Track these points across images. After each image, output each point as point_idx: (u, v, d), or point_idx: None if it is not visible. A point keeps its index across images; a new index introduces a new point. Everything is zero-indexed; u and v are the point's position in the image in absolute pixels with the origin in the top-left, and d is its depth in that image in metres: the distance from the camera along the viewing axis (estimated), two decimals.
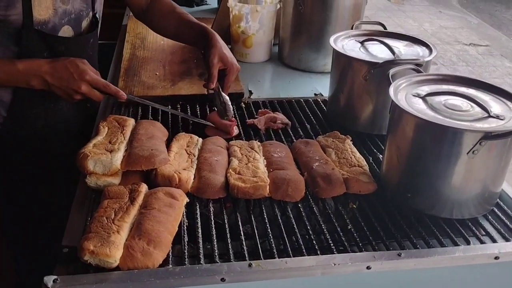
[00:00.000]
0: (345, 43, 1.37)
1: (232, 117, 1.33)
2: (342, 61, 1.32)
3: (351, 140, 1.24)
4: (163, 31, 1.51)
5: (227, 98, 1.33)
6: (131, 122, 1.20)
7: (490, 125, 0.95)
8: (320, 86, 1.66)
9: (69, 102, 1.21)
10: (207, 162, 1.10)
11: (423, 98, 1.04)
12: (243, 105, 1.48)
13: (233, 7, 1.75)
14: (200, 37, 1.35)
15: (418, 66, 1.20)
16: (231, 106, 1.32)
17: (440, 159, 0.96)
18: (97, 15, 1.35)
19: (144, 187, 0.99)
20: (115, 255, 0.82)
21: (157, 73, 1.60)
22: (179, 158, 1.12)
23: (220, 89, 1.33)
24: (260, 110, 1.42)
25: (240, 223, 0.98)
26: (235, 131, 1.31)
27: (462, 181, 0.97)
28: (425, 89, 1.07)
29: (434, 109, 1.00)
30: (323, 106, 1.50)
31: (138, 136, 1.12)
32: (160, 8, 1.45)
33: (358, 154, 1.18)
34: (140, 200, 0.96)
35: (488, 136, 0.90)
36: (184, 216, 0.98)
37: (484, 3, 7.88)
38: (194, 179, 1.06)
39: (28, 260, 1.30)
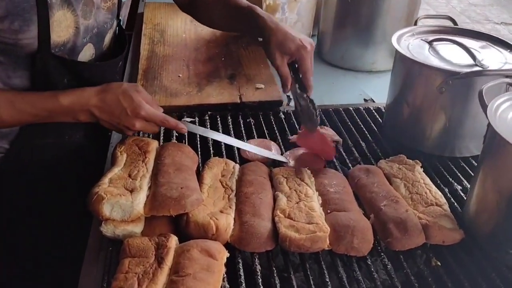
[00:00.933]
0: (410, 43, 1.13)
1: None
2: (409, 67, 1.08)
3: (421, 167, 1.02)
4: (212, 22, 1.23)
5: (310, 99, 1.02)
6: (154, 145, 0.98)
7: None
8: (368, 89, 1.42)
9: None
10: (249, 202, 0.88)
11: None
12: (283, 116, 1.25)
13: None
14: (251, 24, 1.06)
15: (510, 78, 0.96)
16: (316, 111, 1.02)
17: None
18: (121, 24, 1.11)
19: (173, 241, 0.79)
20: None
21: (180, 75, 1.38)
22: (214, 195, 0.90)
23: (298, 90, 1.03)
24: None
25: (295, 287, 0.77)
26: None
27: None
28: None
29: None
30: (377, 116, 1.26)
31: (164, 168, 0.90)
32: None
33: (434, 188, 0.95)
34: (169, 260, 0.75)
35: None
36: (225, 280, 0.77)
37: None
38: (234, 224, 0.85)
39: None
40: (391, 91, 1.16)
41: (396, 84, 1.14)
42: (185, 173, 0.90)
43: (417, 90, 1.07)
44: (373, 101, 1.36)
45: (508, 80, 0.92)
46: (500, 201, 0.80)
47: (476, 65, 1.02)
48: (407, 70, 1.09)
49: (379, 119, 1.25)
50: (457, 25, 1.20)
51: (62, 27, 0.91)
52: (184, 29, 1.66)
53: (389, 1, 1.43)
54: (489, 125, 0.80)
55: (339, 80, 1.48)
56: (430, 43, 1.13)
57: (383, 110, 1.25)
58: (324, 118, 1.24)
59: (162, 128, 1.15)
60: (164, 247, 0.77)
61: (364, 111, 1.28)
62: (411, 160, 1.03)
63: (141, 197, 0.83)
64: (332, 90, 1.43)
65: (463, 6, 6.26)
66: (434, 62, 1.05)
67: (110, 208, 0.81)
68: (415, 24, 1.23)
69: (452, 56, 1.08)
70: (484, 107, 0.84)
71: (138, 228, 0.83)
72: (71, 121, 0.94)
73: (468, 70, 0.99)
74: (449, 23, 1.22)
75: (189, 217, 0.83)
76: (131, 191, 0.84)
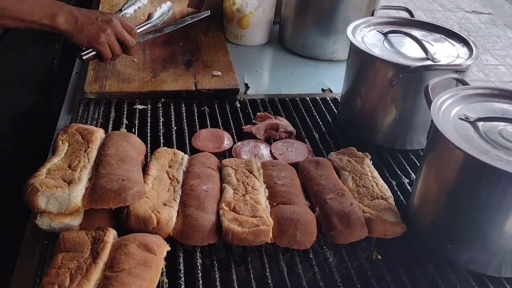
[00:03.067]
0: (366, 34, 1.12)
1: None
2: (363, 59, 1.07)
3: (370, 159, 1.02)
4: None
5: None
6: (98, 134, 0.95)
7: None
8: (328, 79, 1.41)
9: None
10: (193, 194, 0.87)
11: (473, 123, 0.81)
12: (238, 105, 1.23)
13: None
14: None
15: (460, 73, 0.96)
16: None
17: (495, 206, 0.74)
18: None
19: (111, 235, 0.77)
20: None
21: (135, 60, 1.34)
22: (159, 186, 0.89)
23: None
24: (258, 114, 1.18)
25: (235, 282, 0.77)
26: None
27: None
28: (475, 109, 0.84)
29: (488, 140, 0.77)
30: (333, 106, 1.26)
31: (106, 159, 0.87)
32: None
33: (381, 181, 0.95)
34: (105, 255, 0.73)
35: None
36: (164, 274, 0.76)
37: None
38: (177, 217, 0.83)
39: None
40: (346, 83, 1.16)
41: (350, 76, 1.14)
42: (129, 164, 0.88)
43: (369, 82, 1.07)
44: (331, 91, 1.35)
45: (454, 75, 0.92)
46: (440, 197, 0.81)
47: (427, 58, 1.03)
48: (360, 62, 1.09)
49: (335, 109, 1.25)
50: (413, 16, 1.20)
51: None
52: (143, 11, 1.61)
53: None
54: (432, 121, 0.80)
55: (299, 69, 1.47)
56: (385, 34, 1.12)
57: (340, 100, 1.24)
58: (280, 108, 1.23)
59: (112, 115, 1.13)
60: (100, 241, 0.75)
61: (320, 102, 1.28)
62: (360, 153, 1.03)
63: (79, 189, 0.81)
64: (292, 79, 1.41)
65: None
66: (387, 54, 1.04)
67: (46, 201, 0.78)
68: (372, 14, 1.21)
69: (406, 49, 1.08)
70: (429, 102, 0.84)
71: (76, 221, 0.81)
72: (49, 23, 0.97)
73: (419, 64, 0.99)
74: (406, 15, 1.21)
75: (129, 210, 0.81)
76: (69, 183, 0.81)
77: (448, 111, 0.83)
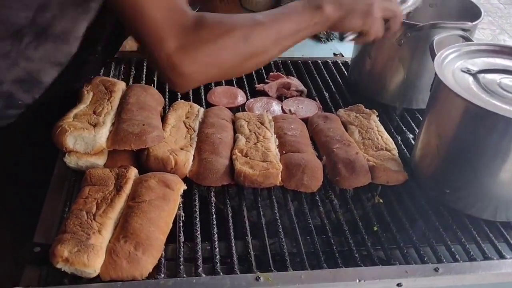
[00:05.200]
0: None
1: None
2: None
3: (377, 116, 1.07)
4: None
5: None
6: (120, 86, 1.01)
7: None
8: (340, 44, 1.45)
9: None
10: (209, 141, 0.93)
11: (474, 75, 0.85)
12: None
13: None
14: None
15: (465, 31, 1.00)
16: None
17: (491, 152, 0.79)
18: None
19: (133, 172, 0.84)
20: (94, 264, 0.67)
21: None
22: (176, 134, 0.95)
23: None
24: (271, 74, 1.23)
25: (246, 218, 0.83)
26: None
27: None
28: (476, 64, 0.88)
29: (487, 90, 0.81)
30: (343, 69, 1.30)
31: (128, 106, 0.94)
32: None
33: (385, 135, 1.01)
34: (128, 188, 0.80)
35: None
36: (181, 209, 0.83)
37: None
38: (193, 161, 0.90)
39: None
40: (356, 45, 1.20)
41: None
42: (148, 112, 0.94)
43: (378, 43, 1.10)
44: (342, 56, 1.39)
45: (459, 32, 0.96)
46: (440, 145, 0.86)
47: (437, 21, 1.06)
48: None
49: (345, 72, 1.29)
50: None
51: None
52: None
53: None
54: (435, 73, 0.84)
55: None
56: None
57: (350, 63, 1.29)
58: (292, 69, 1.27)
59: (132, 70, 1.19)
60: (123, 177, 0.82)
61: (332, 65, 1.32)
62: (368, 110, 1.08)
63: (104, 131, 0.87)
64: (305, 44, 1.45)
65: None
66: None
67: (73, 141, 0.85)
68: None
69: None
70: (433, 56, 0.88)
71: (100, 160, 0.88)
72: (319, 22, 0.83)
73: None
74: None
75: (149, 151, 0.88)
76: (94, 126, 0.88)
77: (451, 64, 0.87)
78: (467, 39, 0.95)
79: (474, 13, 1.09)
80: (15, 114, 0.91)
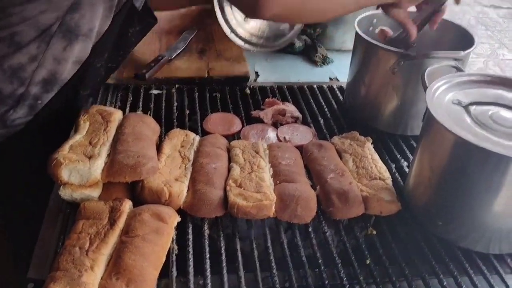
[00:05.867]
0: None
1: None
2: (366, 47, 1.12)
3: (371, 143, 1.07)
4: None
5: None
6: (117, 116, 1.02)
7: None
8: (336, 68, 1.47)
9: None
10: (203, 171, 0.94)
11: (466, 107, 0.86)
12: (248, 91, 1.30)
13: None
14: None
15: (457, 61, 1.01)
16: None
17: (483, 186, 0.79)
18: None
19: (127, 205, 0.84)
20: None
21: (153, 47, 1.41)
22: (171, 164, 0.96)
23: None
24: (267, 100, 1.24)
25: (239, 252, 0.83)
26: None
27: (506, 212, 0.81)
28: (468, 94, 0.89)
29: (479, 123, 0.82)
30: (338, 94, 1.31)
31: (123, 137, 0.95)
32: None
33: (379, 163, 1.01)
34: (121, 222, 0.81)
35: None
36: (174, 242, 0.83)
37: None
38: (187, 192, 0.90)
39: None
40: (351, 71, 1.21)
41: (355, 64, 1.19)
42: (144, 142, 0.95)
43: (372, 70, 1.12)
44: (338, 80, 1.40)
45: (451, 63, 0.97)
46: (432, 177, 0.86)
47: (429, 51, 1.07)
48: (365, 50, 1.14)
49: (341, 97, 1.30)
50: None
51: None
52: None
53: None
54: (427, 110, 0.85)
55: (308, 58, 1.52)
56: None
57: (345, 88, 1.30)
58: (288, 95, 1.29)
59: (130, 96, 1.20)
60: (117, 210, 0.82)
61: (327, 89, 1.33)
62: (362, 137, 1.08)
63: (99, 163, 0.88)
64: (300, 68, 1.47)
65: None
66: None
67: (68, 173, 0.86)
68: (377, 7, 1.26)
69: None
70: (425, 87, 0.89)
71: (95, 192, 0.88)
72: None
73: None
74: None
75: (144, 183, 0.88)
76: (90, 158, 0.89)
77: (442, 95, 0.88)
78: (459, 69, 0.96)
79: (468, 40, 1.10)
80: (29, 120, 0.94)
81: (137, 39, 1.12)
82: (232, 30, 1.34)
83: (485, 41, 4.96)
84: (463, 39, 1.12)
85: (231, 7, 1.32)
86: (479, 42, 1.07)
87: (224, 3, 1.30)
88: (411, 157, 1.08)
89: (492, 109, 0.85)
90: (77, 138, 0.94)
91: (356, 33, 1.13)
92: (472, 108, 0.85)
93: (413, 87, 1.08)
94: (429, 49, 1.06)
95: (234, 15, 1.35)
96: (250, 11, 0.91)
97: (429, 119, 0.86)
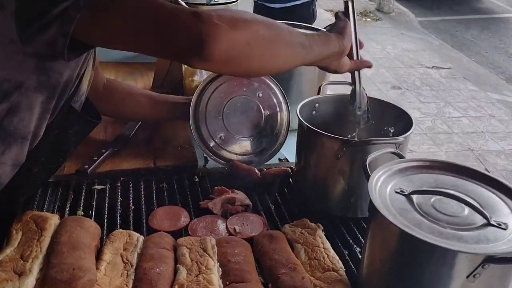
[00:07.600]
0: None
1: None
2: (309, 133, 1.13)
3: (322, 230, 1.05)
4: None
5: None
6: (53, 221, 0.97)
7: (492, 235, 0.78)
8: (285, 149, 1.46)
9: None
10: (146, 278, 0.88)
11: (408, 196, 0.86)
12: (197, 179, 1.27)
13: None
14: None
15: (398, 146, 1.03)
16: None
17: (435, 278, 0.77)
18: None
19: None
20: None
21: (96, 138, 1.37)
22: (111, 272, 0.90)
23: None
24: (216, 188, 1.21)
25: None
26: None
27: None
28: (410, 181, 0.90)
29: (422, 213, 0.82)
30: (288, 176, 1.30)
31: (58, 247, 0.89)
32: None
33: (331, 253, 0.99)
34: None
35: (492, 259, 0.72)
36: None
37: (445, 23, 8.02)
38: None
39: None
40: (298, 153, 1.22)
41: (300, 148, 1.19)
42: (81, 251, 0.89)
43: (317, 155, 1.13)
44: (287, 161, 1.40)
45: (390, 150, 0.99)
46: (382, 268, 0.84)
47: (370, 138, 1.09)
48: (308, 136, 1.15)
49: (290, 179, 1.29)
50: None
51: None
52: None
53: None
54: (370, 202, 0.84)
55: None
56: None
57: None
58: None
59: (70, 197, 1.15)
60: None
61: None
62: (313, 224, 1.06)
63: (30, 281, 0.81)
64: None
65: (397, 51, 6.66)
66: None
67: None
68: (318, 91, 1.30)
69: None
70: (368, 177, 0.89)
71: None
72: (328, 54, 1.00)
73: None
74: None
75: None
76: (20, 275, 0.82)
77: (384, 185, 0.88)
78: (399, 156, 0.98)
79: (406, 122, 1.14)
80: None
81: (78, 139, 1.09)
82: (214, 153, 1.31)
83: (431, 101, 5.23)
84: (402, 120, 1.15)
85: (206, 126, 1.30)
86: (415, 126, 1.10)
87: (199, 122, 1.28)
88: (363, 241, 1.06)
89: (433, 197, 0.85)
90: (8, 252, 0.88)
91: (299, 119, 1.15)
92: (415, 197, 0.85)
93: (358, 171, 1.08)
94: (372, 133, 1.08)
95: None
96: (194, 51, 0.79)
97: (374, 210, 0.85)
